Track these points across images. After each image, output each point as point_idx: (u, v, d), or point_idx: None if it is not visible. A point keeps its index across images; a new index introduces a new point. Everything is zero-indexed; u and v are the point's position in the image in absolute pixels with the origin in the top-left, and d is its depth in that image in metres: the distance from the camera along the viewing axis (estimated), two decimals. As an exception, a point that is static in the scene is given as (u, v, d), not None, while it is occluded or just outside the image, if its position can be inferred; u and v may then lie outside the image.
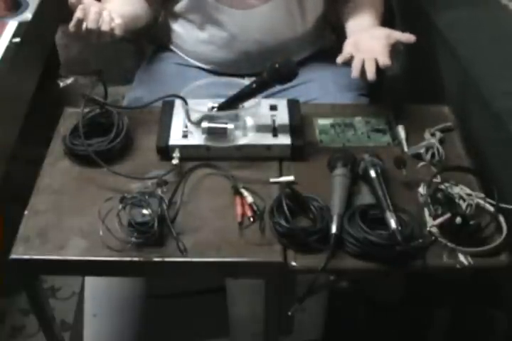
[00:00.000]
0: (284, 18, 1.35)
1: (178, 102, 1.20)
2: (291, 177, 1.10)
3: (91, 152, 1.08)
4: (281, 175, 1.12)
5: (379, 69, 1.14)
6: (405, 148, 1.16)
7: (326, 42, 1.48)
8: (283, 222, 0.99)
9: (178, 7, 1.39)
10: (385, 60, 1.13)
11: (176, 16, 1.41)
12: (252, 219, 1.03)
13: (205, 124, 1.11)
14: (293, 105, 1.22)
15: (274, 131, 1.15)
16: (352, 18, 1.34)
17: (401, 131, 1.19)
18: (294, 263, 0.97)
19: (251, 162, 1.14)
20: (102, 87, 1.18)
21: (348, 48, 1.19)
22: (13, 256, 0.99)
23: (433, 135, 1.18)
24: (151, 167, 1.12)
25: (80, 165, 1.13)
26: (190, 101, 1.14)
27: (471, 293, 1.11)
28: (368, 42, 1.19)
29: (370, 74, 1.13)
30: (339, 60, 1.17)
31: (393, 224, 0.96)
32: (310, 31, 1.41)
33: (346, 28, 1.34)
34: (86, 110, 1.15)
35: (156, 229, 0.98)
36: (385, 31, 1.21)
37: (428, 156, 1.13)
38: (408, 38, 1.19)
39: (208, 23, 1.37)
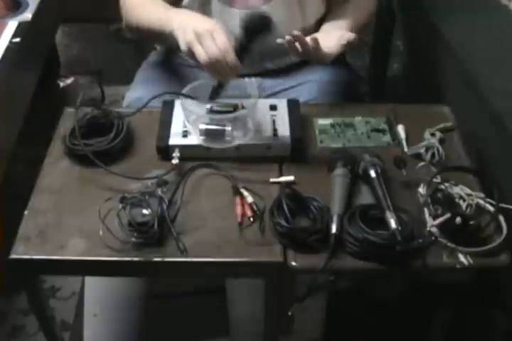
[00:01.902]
0: (284, 18, 1.34)
1: (178, 102, 1.20)
2: (291, 177, 1.10)
3: (89, 152, 1.08)
4: (281, 175, 1.12)
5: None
6: (405, 148, 1.16)
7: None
8: (283, 222, 0.99)
9: (180, 7, 1.38)
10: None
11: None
12: (252, 219, 1.03)
13: (202, 126, 1.11)
14: (293, 105, 1.22)
15: (274, 131, 1.15)
16: (329, 21, 1.36)
17: (401, 131, 1.19)
18: (294, 263, 0.97)
19: (251, 162, 1.13)
20: (105, 87, 1.18)
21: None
22: (13, 255, 0.99)
23: (433, 135, 1.18)
24: (151, 167, 1.12)
25: (79, 165, 1.13)
26: (189, 102, 1.14)
27: (471, 293, 1.11)
28: (321, 39, 1.19)
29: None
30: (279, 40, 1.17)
31: (393, 224, 0.96)
32: (311, 31, 1.41)
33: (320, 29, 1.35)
34: (86, 110, 1.15)
35: (156, 229, 0.98)
36: (340, 32, 1.25)
37: (428, 156, 1.13)
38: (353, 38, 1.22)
39: None
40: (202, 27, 1.07)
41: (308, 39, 1.17)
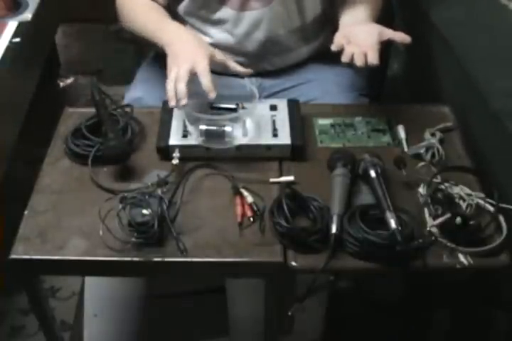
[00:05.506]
0: (283, 20, 1.34)
1: (178, 102, 1.20)
2: (291, 177, 1.10)
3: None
4: (281, 175, 1.12)
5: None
6: (405, 148, 1.16)
7: (326, 42, 1.47)
8: (283, 222, 0.99)
9: (181, 8, 1.39)
10: (374, 58, 1.09)
11: (178, 18, 1.41)
12: (252, 219, 1.03)
13: (202, 127, 1.10)
14: (293, 105, 1.22)
15: (274, 131, 1.15)
16: (346, 13, 1.31)
17: (401, 131, 1.19)
18: (294, 263, 0.97)
19: (251, 162, 1.13)
20: (104, 87, 1.18)
21: (338, 40, 1.15)
22: (13, 256, 0.99)
23: (433, 135, 1.18)
24: (151, 167, 1.12)
25: (79, 165, 1.13)
26: (189, 102, 1.14)
27: (471, 293, 1.11)
28: (360, 35, 1.15)
29: (361, 66, 1.10)
30: (333, 47, 1.13)
31: (393, 224, 0.96)
32: (309, 32, 1.41)
33: (340, 23, 1.30)
34: (88, 110, 1.15)
35: (156, 229, 0.98)
36: (378, 27, 1.18)
37: (428, 156, 1.13)
38: (403, 37, 1.15)
39: (209, 25, 1.37)
40: (189, 65, 1.12)
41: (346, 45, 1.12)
